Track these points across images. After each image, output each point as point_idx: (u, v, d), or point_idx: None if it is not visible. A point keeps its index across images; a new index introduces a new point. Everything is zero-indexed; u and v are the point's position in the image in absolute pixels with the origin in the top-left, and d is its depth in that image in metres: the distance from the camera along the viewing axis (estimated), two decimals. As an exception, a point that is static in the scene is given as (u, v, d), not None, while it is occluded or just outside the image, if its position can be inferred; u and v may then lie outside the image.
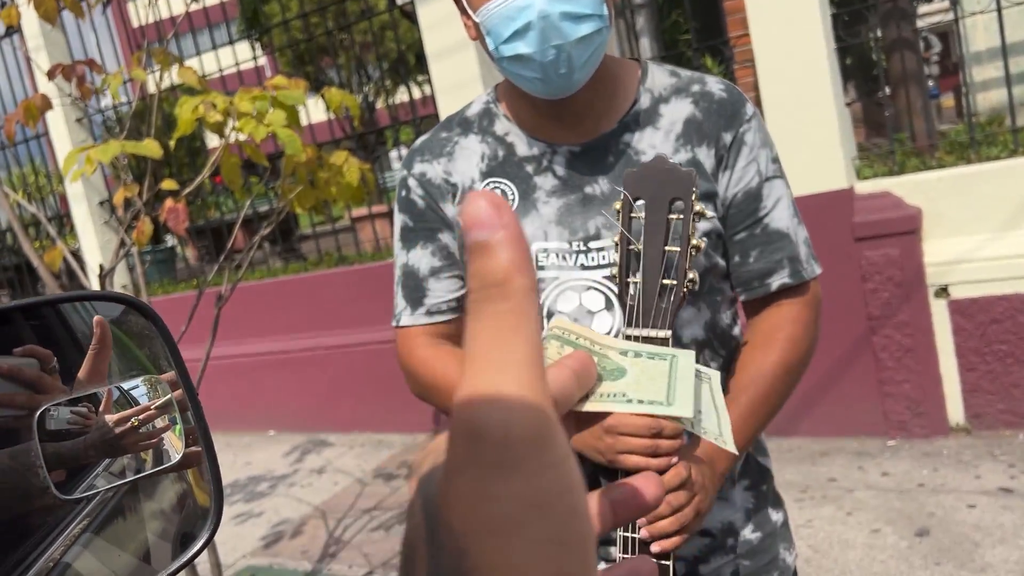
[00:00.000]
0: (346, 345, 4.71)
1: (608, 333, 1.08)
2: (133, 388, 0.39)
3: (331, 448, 4.77)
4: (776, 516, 1.22)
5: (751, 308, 1.20)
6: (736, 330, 1.19)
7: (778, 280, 1.14)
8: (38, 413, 0.36)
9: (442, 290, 1.18)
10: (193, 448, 0.43)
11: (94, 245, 5.55)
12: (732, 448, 0.73)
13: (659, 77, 1.15)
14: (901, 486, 3.03)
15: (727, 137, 1.12)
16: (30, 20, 4.63)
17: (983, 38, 4.40)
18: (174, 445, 0.41)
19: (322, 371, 4.86)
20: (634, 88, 1.14)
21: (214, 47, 5.00)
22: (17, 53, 5.67)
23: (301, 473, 4.48)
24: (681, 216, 0.94)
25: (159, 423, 0.40)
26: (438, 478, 0.27)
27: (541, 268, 1.11)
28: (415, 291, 1.19)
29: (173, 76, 2.30)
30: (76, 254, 5.20)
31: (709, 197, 1.11)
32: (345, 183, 2.36)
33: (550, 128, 1.13)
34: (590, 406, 0.54)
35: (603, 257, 1.10)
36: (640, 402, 0.57)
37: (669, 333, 0.94)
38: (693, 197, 0.93)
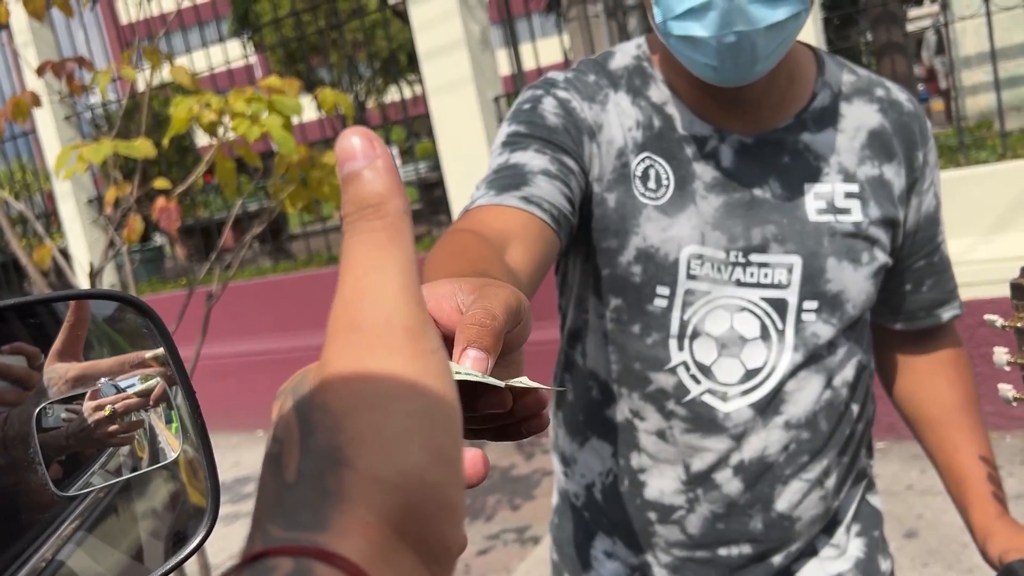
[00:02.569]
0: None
1: (762, 368, 0.94)
2: (129, 386, 0.39)
3: (320, 448, 4.76)
4: (885, 566, 1.10)
5: (901, 338, 1.11)
6: (871, 363, 1.07)
7: (950, 312, 1.06)
8: (36, 410, 0.36)
9: (550, 191, 0.84)
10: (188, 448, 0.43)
11: (82, 243, 5.52)
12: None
13: (837, 72, 0.99)
14: (890, 488, 3.05)
15: (920, 157, 0.98)
16: (18, 16, 4.60)
17: (972, 42, 4.43)
18: (170, 443, 0.40)
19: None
20: (811, 79, 0.97)
21: (204, 45, 4.99)
22: (5, 49, 5.64)
23: (290, 473, 4.47)
24: None
25: (141, 415, 0.40)
26: (310, 377, 0.29)
27: (692, 278, 0.92)
28: (513, 179, 0.84)
29: (164, 74, 2.29)
30: (63, 252, 5.17)
31: (890, 224, 0.97)
32: (337, 183, 2.35)
33: (718, 109, 0.94)
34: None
35: (765, 275, 0.92)
36: None
37: None
38: None
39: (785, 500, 0.98)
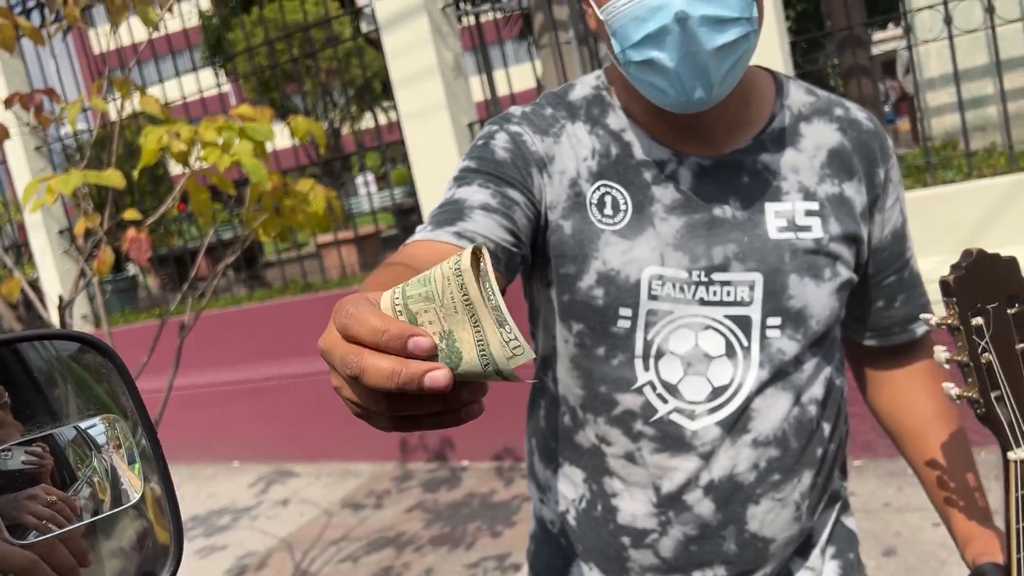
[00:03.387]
0: (312, 373, 4.66)
1: (728, 386, 0.94)
2: (91, 427, 0.38)
3: (297, 478, 4.70)
4: None
5: (877, 354, 1.12)
6: (843, 383, 1.07)
7: (924, 327, 1.06)
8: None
9: (485, 225, 0.87)
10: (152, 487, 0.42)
11: (53, 274, 5.45)
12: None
13: (796, 93, 1.01)
14: (867, 506, 3.06)
15: (881, 175, 1.00)
16: (-12, 47, 4.57)
17: (936, 64, 4.53)
18: (132, 484, 0.40)
19: (287, 400, 4.80)
20: (770, 102, 0.99)
21: (177, 74, 4.97)
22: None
23: (266, 504, 4.41)
24: (1019, 308, 0.84)
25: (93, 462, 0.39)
26: None
27: (654, 298, 0.93)
28: (451, 215, 0.88)
29: (134, 104, 2.28)
30: (34, 284, 5.10)
31: (852, 240, 0.98)
32: (311, 211, 2.35)
33: (676, 133, 0.96)
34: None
35: (728, 293, 0.93)
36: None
37: None
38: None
39: (757, 520, 0.98)
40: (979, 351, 0.84)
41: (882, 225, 1.01)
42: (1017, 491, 0.87)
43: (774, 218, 0.95)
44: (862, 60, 4.18)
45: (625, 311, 0.94)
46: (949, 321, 0.85)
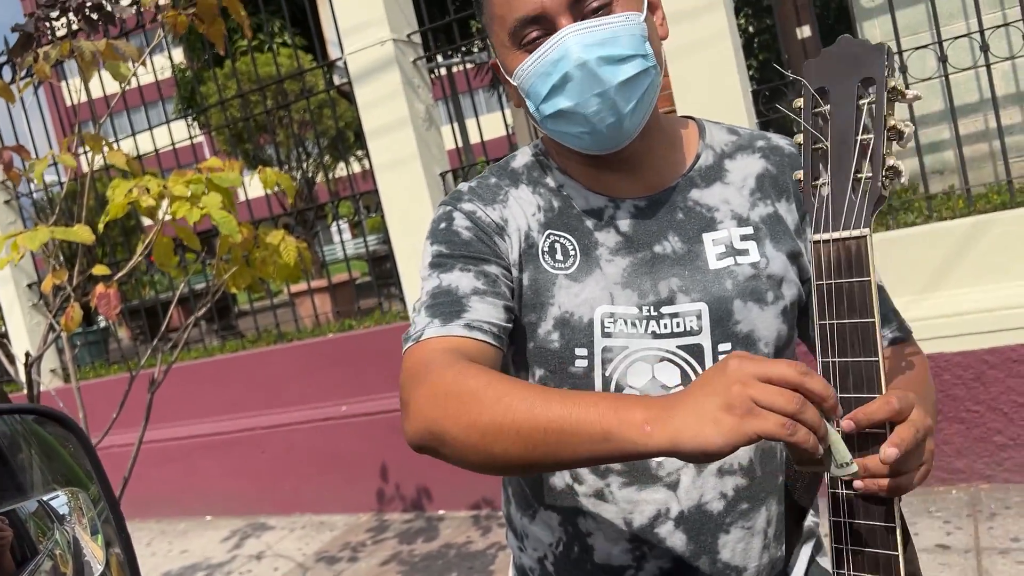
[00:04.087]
0: (286, 424, 4.61)
1: None
2: (53, 499, 0.39)
3: (271, 532, 4.62)
4: None
5: None
6: None
7: (889, 332, 1.06)
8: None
9: (485, 311, 0.95)
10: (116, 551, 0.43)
11: (22, 329, 5.38)
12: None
13: (718, 134, 1.09)
14: (843, 547, 3.07)
15: None
16: (-42, 102, 4.56)
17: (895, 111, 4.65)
18: (95, 556, 0.40)
19: (261, 452, 4.74)
20: (695, 144, 1.07)
21: (150, 127, 4.98)
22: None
23: (240, 560, 4.32)
24: (874, 100, 0.80)
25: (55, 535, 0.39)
26: None
27: (608, 335, 0.98)
28: (451, 306, 0.95)
29: (104, 158, 2.29)
30: (3, 338, 5.03)
31: (793, 257, 1.03)
32: (282, 262, 2.36)
33: (609, 180, 1.03)
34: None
35: (677, 324, 0.98)
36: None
37: (867, 231, 0.80)
38: (887, 72, 0.80)
39: (729, 549, 0.99)
40: (815, 138, 0.84)
41: None
42: (814, 280, 0.83)
43: (712, 247, 1.00)
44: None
45: (581, 351, 0.99)
46: (798, 104, 0.86)
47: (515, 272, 1.01)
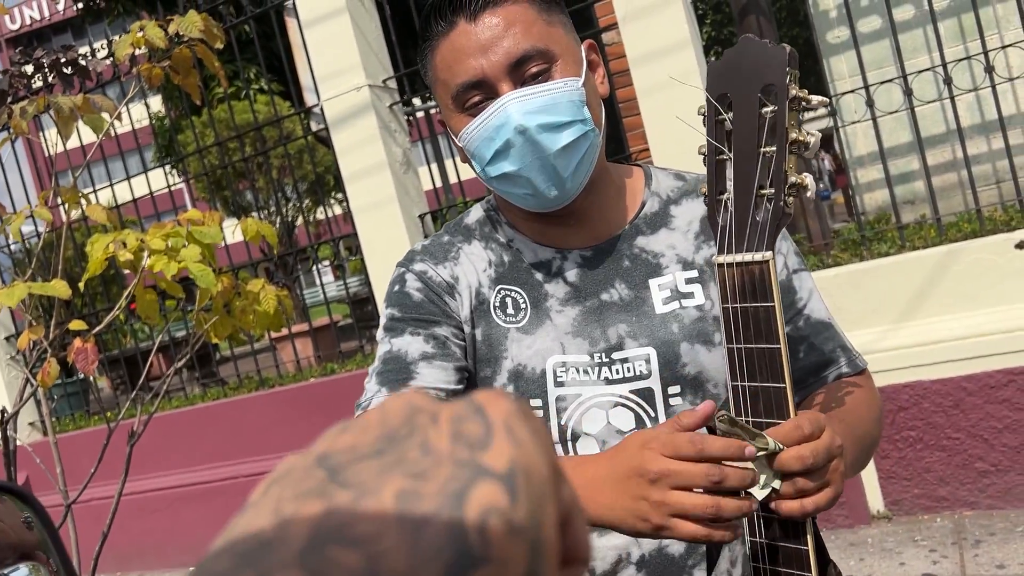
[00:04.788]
0: (267, 471, 4.56)
1: None
2: (13, 571, 0.39)
3: (256, 582, 4.55)
4: None
5: (806, 405, 1.08)
6: None
7: (835, 371, 1.05)
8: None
9: (433, 377, 0.99)
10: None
11: (0, 383, 5.32)
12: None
13: (665, 180, 1.10)
14: (831, 579, 3.06)
15: None
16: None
17: (863, 143, 4.75)
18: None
19: (243, 500, 4.68)
20: (640, 191, 1.09)
21: (127, 176, 4.99)
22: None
23: (224, 612, 4.24)
24: (776, 109, 0.75)
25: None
26: None
27: (560, 384, 1.00)
28: (399, 373, 1.00)
29: (83, 210, 2.29)
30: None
31: None
32: (262, 310, 2.36)
33: (556, 233, 1.06)
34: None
35: (628, 369, 0.99)
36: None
37: (769, 255, 0.77)
38: (788, 79, 0.74)
39: None
40: (717, 149, 0.80)
41: None
42: (721, 303, 0.82)
43: (658, 291, 1.02)
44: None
45: (536, 402, 1.01)
46: (701, 112, 0.81)
47: (467, 328, 1.04)
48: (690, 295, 1.02)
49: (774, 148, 0.75)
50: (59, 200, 2.23)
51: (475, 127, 0.96)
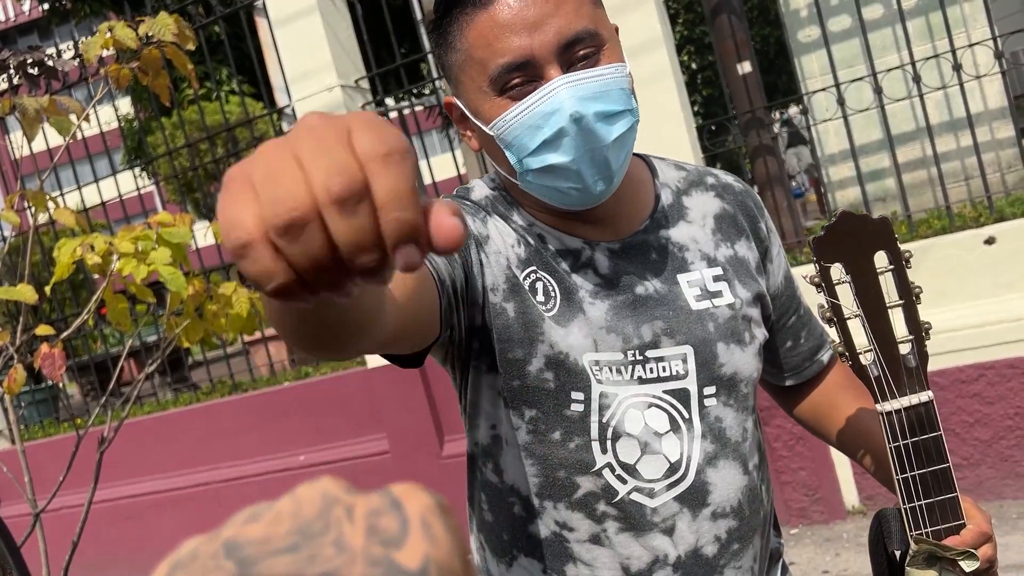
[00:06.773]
0: (243, 477, 4.52)
1: (680, 460, 0.96)
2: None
3: (231, 588, 4.50)
4: None
5: (795, 390, 1.17)
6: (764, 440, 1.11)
7: (826, 352, 1.13)
8: None
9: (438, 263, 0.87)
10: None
11: (-35, 389, 5.21)
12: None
13: (668, 171, 1.07)
14: (806, 574, 3.08)
15: (763, 227, 1.07)
16: None
17: (835, 141, 4.79)
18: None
19: (219, 506, 4.63)
20: (649, 183, 1.04)
21: (96, 179, 4.91)
22: None
23: (199, 619, 4.19)
24: (891, 267, 0.90)
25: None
26: None
27: (600, 383, 0.94)
28: None
29: (50, 213, 2.25)
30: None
31: (757, 299, 1.03)
32: (234, 314, 2.33)
33: (578, 226, 0.99)
34: None
35: (663, 368, 0.95)
36: None
37: (931, 394, 0.90)
38: (896, 241, 0.90)
39: None
40: (844, 308, 0.93)
41: (775, 273, 1.08)
42: (889, 442, 0.94)
43: (688, 288, 0.99)
44: (766, 140, 4.41)
45: (577, 395, 0.95)
46: (816, 280, 0.93)
47: (492, 297, 0.94)
48: (719, 294, 1.00)
49: (902, 302, 0.90)
50: (26, 203, 2.19)
51: (518, 113, 0.86)
